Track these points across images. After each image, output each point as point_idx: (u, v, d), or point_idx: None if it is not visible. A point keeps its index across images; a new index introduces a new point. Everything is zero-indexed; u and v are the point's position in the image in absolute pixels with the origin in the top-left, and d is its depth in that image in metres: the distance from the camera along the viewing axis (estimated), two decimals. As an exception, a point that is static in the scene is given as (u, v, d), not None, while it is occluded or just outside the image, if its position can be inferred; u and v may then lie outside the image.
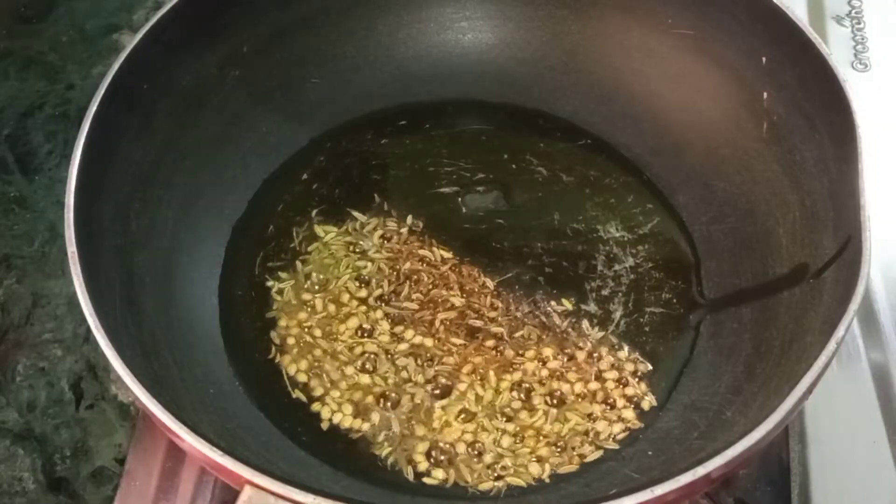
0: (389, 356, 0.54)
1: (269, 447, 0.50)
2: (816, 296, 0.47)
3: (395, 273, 0.57)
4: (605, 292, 0.56)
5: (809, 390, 0.41)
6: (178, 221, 0.56)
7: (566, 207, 0.60)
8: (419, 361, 0.53)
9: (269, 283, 0.57)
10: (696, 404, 0.51)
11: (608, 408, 0.52)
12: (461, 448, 0.51)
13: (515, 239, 0.59)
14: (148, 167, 0.54)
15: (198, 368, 0.51)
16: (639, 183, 0.61)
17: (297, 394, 0.53)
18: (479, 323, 0.55)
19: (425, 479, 0.50)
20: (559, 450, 0.51)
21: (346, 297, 0.56)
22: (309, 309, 0.56)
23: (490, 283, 0.56)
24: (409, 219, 0.59)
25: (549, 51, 0.64)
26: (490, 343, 0.54)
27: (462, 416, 0.52)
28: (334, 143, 0.63)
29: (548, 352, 0.54)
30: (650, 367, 0.53)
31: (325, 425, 0.52)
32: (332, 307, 0.56)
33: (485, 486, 0.50)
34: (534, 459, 0.50)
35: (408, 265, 0.57)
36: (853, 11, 0.71)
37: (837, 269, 0.46)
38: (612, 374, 0.53)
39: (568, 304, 0.56)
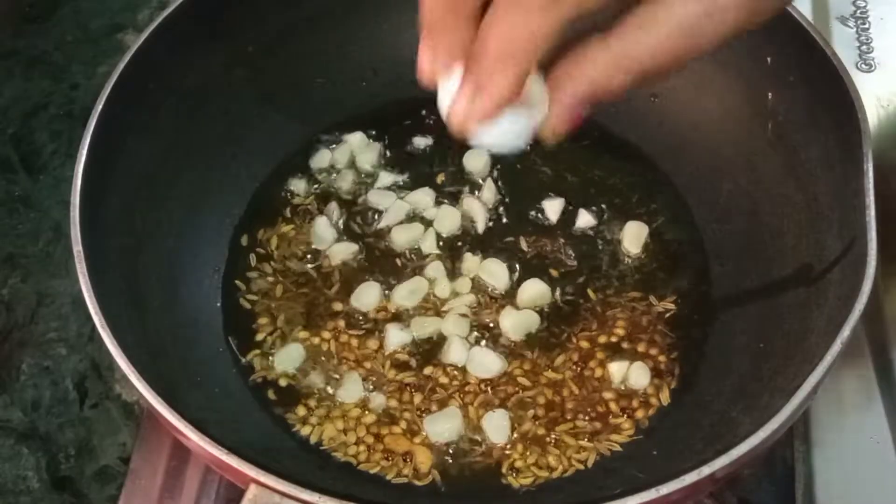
0: (392, 357, 0.54)
1: (274, 446, 0.50)
2: (822, 296, 0.47)
3: (397, 272, 0.57)
4: (609, 292, 0.56)
5: (814, 390, 0.41)
6: (183, 220, 0.56)
7: (571, 207, 0.60)
8: (421, 360, 0.53)
9: (273, 283, 0.57)
10: (702, 404, 0.51)
11: (613, 408, 0.52)
12: (464, 449, 0.51)
13: (519, 238, 0.58)
14: (153, 166, 0.54)
15: (203, 367, 0.52)
16: (643, 183, 0.60)
17: (300, 392, 0.53)
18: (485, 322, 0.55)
19: (430, 480, 0.50)
20: (563, 450, 0.50)
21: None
22: (313, 308, 0.56)
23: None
24: (412, 217, 0.60)
25: (553, 50, 0.63)
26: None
27: (464, 418, 0.52)
28: (339, 142, 0.63)
29: (551, 353, 0.54)
30: (655, 367, 0.53)
31: (326, 428, 0.52)
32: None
33: (488, 487, 0.50)
34: (538, 460, 0.50)
35: (410, 263, 0.57)
36: (858, 12, 0.71)
37: (843, 270, 0.46)
38: (618, 375, 0.53)
39: (571, 305, 0.56)
